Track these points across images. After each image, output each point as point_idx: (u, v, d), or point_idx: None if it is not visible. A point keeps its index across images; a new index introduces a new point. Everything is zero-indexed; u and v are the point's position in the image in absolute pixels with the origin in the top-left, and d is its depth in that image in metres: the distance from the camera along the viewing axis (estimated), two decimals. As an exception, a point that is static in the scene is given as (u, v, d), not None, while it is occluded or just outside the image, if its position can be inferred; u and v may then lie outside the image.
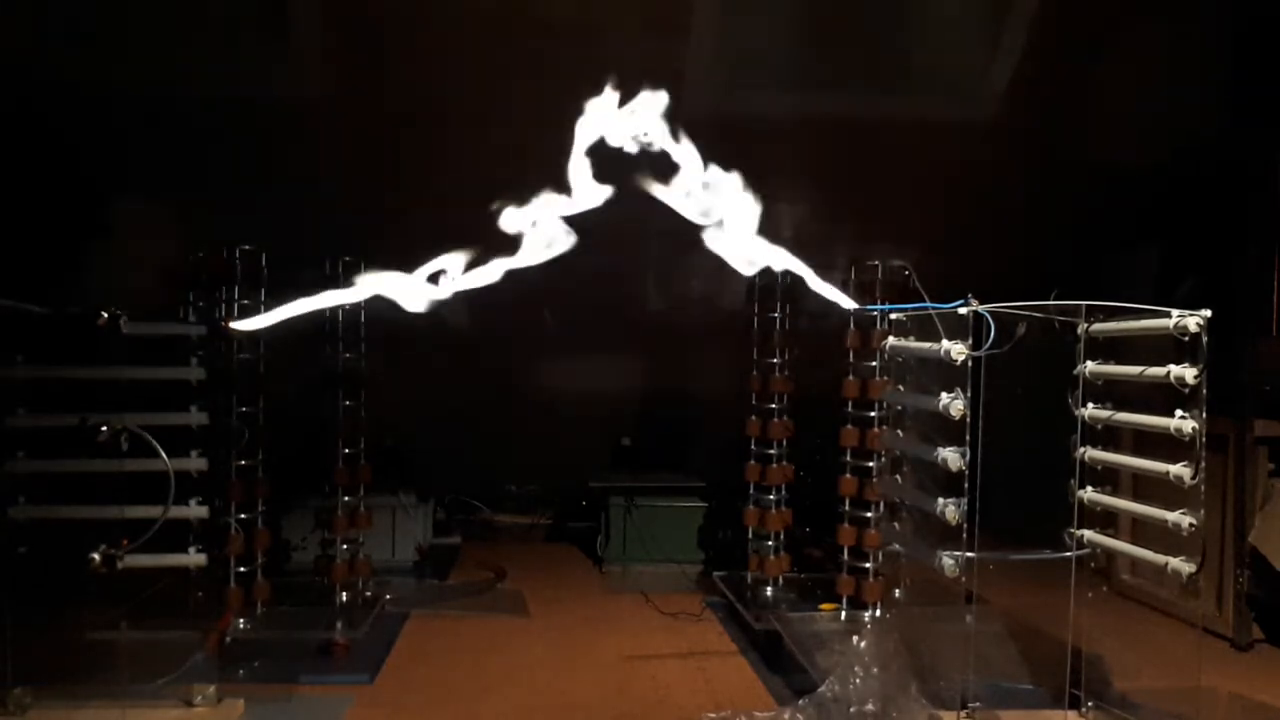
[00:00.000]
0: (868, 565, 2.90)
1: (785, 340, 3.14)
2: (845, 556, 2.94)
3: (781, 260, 2.04)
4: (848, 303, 2.34)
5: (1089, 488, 2.19)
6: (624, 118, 1.84)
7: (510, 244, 1.90)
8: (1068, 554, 2.19)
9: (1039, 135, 3.72)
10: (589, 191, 1.85)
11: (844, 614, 2.94)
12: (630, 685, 2.62)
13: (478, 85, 3.43)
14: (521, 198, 1.93)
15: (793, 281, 3.05)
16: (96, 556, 2.14)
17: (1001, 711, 2.22)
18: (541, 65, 3.33)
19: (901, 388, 2.36)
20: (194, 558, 2.31)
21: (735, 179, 1.91)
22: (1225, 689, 2.59)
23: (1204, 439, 1.88)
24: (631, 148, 1.85)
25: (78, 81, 3.19)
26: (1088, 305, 2.15)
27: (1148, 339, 2.01)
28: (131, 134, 3.33)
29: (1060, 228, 3.95)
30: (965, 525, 2.07)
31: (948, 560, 2.08)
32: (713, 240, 1.91)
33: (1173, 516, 1.95)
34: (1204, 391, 1.90)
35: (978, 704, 2.16)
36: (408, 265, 1.99)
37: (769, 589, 3.17)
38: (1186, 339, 1.91)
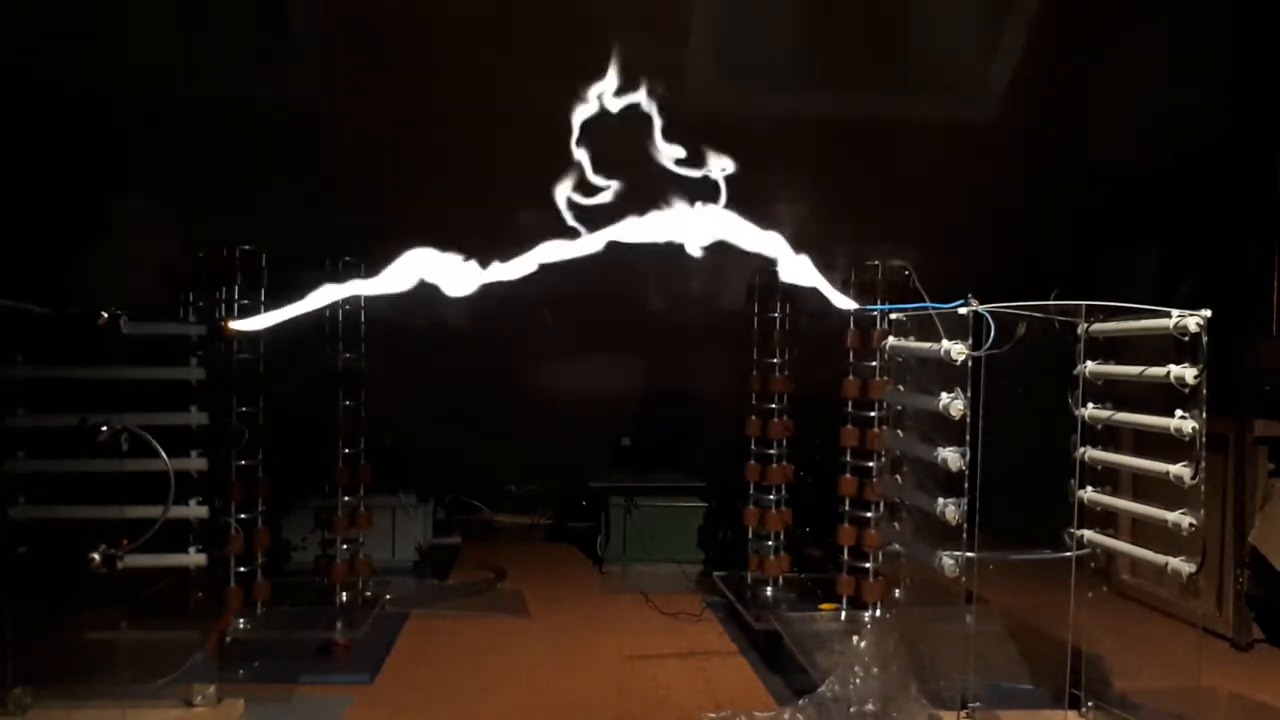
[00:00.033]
0: (868, 565, 2.90)
1: (785, 340, 3.14)
2: (845, 556, 2.94)
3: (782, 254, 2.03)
4: (838, 297, 2.31)
5: (1089, 488, 2.19)
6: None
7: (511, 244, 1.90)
8: (1068, 554, 2.20)
9: (1039, 135, 3.72)
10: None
11: (844, 614, 2.94)
12: (630, 685, 2.62)
13: (477, 85, 3.43)
14: (522, 197, 1.93)
15: (793, 281, 3.06)
16: (96, 556, 2.14)
17: (1001, 711, 2.22)
18: (542, 66, 3.33)
19: (901, 388, 2.36)
20: (194, 558, 2.31)
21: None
22: (1225, 689, 2.59)
23: (1204, 439, 1.88)
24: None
25: (78, 81, 3.19)
26: (1088, 305, 2.15)
27: (1148, 339, 2.02)
28: (131, 134, 3.33)
29: (1060, 228, 3.96)
30: (965, 525, 2.07)
31: (948, 560, 2.08)
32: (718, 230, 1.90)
33: (1173, 516, 1.95)
34: (1204, 391, 1.90)
35: (978, 704, 2.16)
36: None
37: (769, 589, 3.17)
38: (1186, 339, 1.91)
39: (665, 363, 4.39)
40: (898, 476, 2.39)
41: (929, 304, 2.18)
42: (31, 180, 3.27)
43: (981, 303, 2.05)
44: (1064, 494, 2.23)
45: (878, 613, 2.87)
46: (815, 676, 2.34)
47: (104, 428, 2.12)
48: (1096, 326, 2.15)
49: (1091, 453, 2.18)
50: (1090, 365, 2.16)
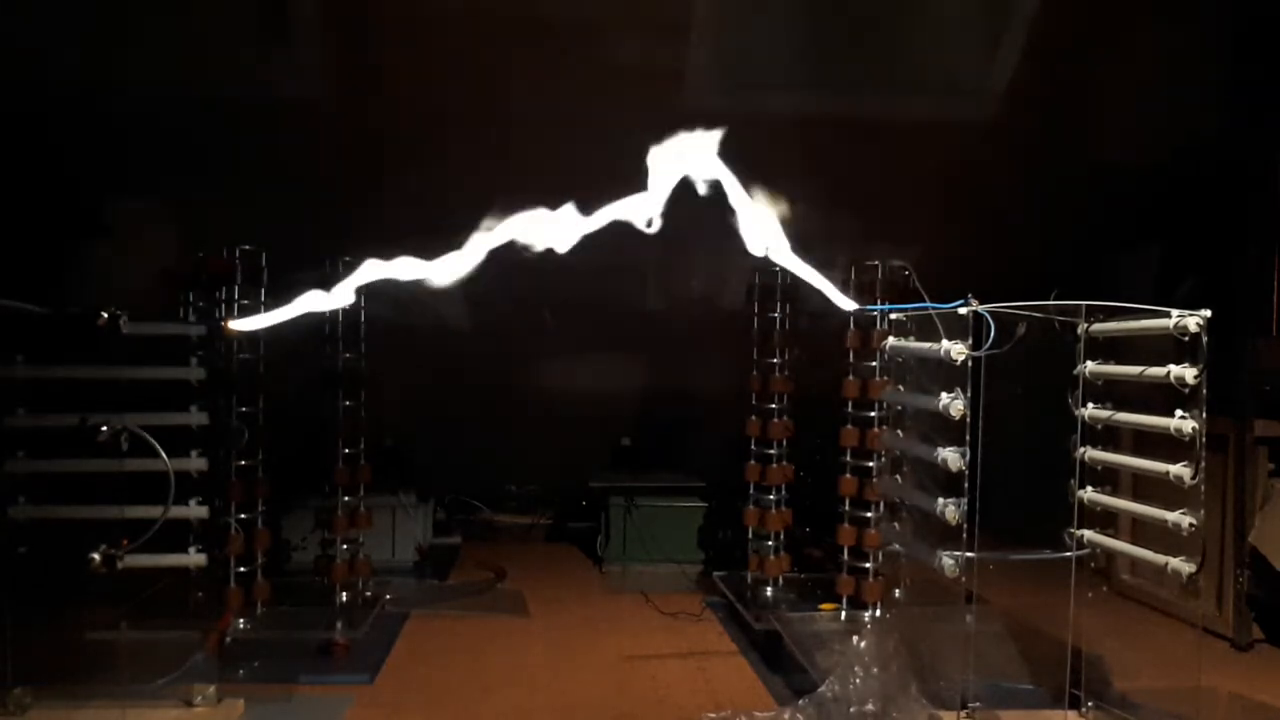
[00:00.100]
0: (868, 565, 2.90)
1: (785, 340, 3.14)
2: (845, 556, 2.94)
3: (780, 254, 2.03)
4: (838, 296, 2.31)
5: (1089, 488, 2.19)
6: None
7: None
8: (1068, 554, 2.20)
9: (1039, 135, 3.72)
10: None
11: (844, 614, 2.93)
12: (630, 685, 2.62)
13: (478, 85, 3.43)
14: (521, 198, 1.93)
15: (793, 281, 3.06)
16: (96, 556, 2.13)
17: (1001, 711, 2.22)
18: (542, 65, 3.34)
19: (901, 388, 2.36)
20: (194, 558, 2.31)
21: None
22: (1225, 689, 2.59)
23: (1204, 439, 1.88)
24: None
25: (78, 81, 3.19)
26: (1088, 305, 2.15)
27: (1148, 339, 2.01)
28: (131, 134, 3.33)
29: (1060, 228, 3.96)
30: (965, 525, 2.07)
31: (948, 560, 2.08)
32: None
33: (1173, 516, 1.95)
34: (1204, 391, 1.90)
35: (978, 704, 2.16)
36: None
37: (769, 589, 3.17)
38: (1186, 339, 1.91)
39: (665, 363, 4.39)
40: (898, 476, 2.39)
41: (929, 304, 2.18)
42: (32, 180, 3.27)
43: (981, 303, 2.05)
44: (1064, 494, 2.23)
45: (878, 613, 2.87)
46: (815, 676, 2.34)
47: (104, 428, 2.12)
48: (1096, 326, 2.15)
49: (1091, 453, 2.18)
50: (1090, 365, 2.16)
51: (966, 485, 2.07)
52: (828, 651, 2.45)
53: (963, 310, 2.05)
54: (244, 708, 2.27)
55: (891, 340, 2.38)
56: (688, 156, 1.91)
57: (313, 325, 2.97)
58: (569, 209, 1.89)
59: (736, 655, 2.87)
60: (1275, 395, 2.95)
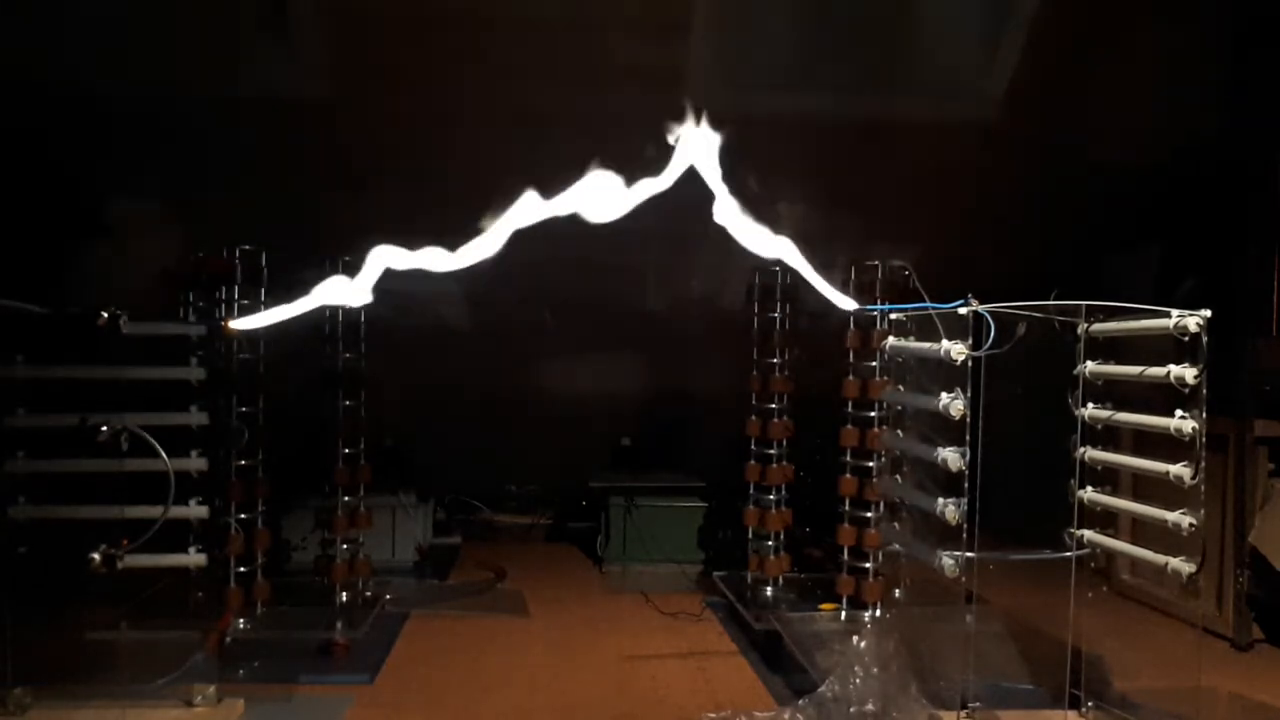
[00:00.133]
0: (868, 565, 2.90)
1: (785, 340, 3.14)
2: (845, 556, 2.94)
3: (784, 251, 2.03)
4: (839, 296, 2.31)
5: (1089, 488, 2.19)
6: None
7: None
8: (1068, 554, 2.19)
9: (1039, 135, 3.72)
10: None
11: (844, 614, 2.94)
12: (630, 685, 2.62)
13: (478, 85, 3.43)
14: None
15: (793, 281, 3.06)
16: (96, 556, 2.13)
17: (1001, 711, 2.22)
18: (542, 65, 3.33)
19: (901, 388, 2.36)
20: (194, 558, 2.31)
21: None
22: (1225, 689, 2.59)
23: (1204, 439, 1.88)
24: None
25: (78, 81, 3.19)
26: (1088, 305, 2.15)
27: (1148, 339, 2.01)
28: (131, 134, 3.33)
29: (1060, 228, 3.96)
30: (965, 525, 2.07)
31: (948, 560, 2.08)
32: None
33: (1173, 516, 1.95)
34: (1204, 391, 1.90)
35: (978, 704, 2.16)
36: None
37: (769, 589, 3.17)
38: (1186, 339, 1.91)
39: (665, 363, 4.39)
40: (898, 476, 2.39)
41: (929, 304, 2.18)
42: (32, 180, 3.27)
43: (981, 303, 2.05)
44: (1064, 494, 2.23)
45: (878, 613, 2.87)
46: (815, 676, 2.34)
47: (104, 428, 2.12)
48: (1096, 326, 2.15)
49: (1091, 453, 2.18)
50: (1090, 365, 2.16)
51: (966, 485, 2.07)
52: (828, 651, 2.45)
53: (963, 310, 2.05)
54: (244, 708, 2.27)
55: (891, 340, 2.38)
56: (687, 157, 1.90)
57: (313, 325, 2.97)
58: (568, 211, 1.89)
59: (736, 655, 2.87)
60: (1275, 395, 2.95)
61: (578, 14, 3.25)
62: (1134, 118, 3.61)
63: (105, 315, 2.12)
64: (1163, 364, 1.95)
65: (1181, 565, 1.96)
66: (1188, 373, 1.90)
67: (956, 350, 2.04)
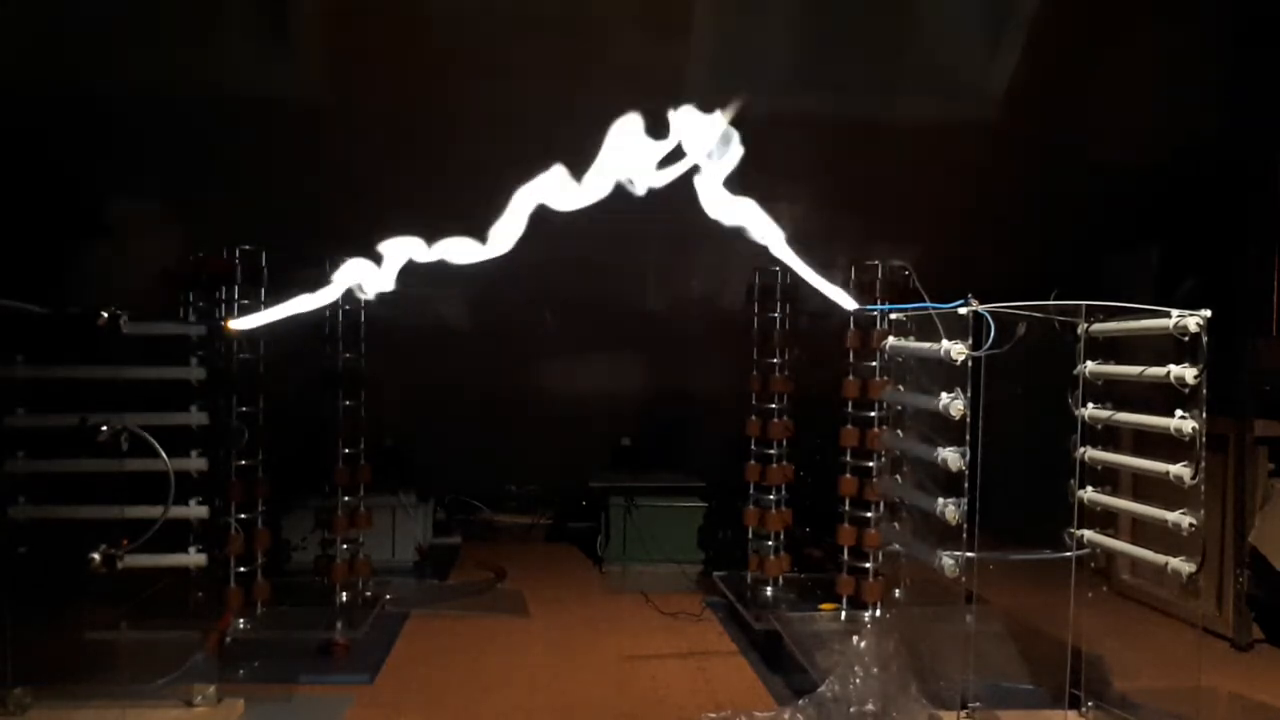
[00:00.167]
0: (868, 565, 2.90)
1: (785, 340, 3.14)
2: (845, 556, 2.94)
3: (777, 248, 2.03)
4: (839, 296, 2.31)
5: (1089, 488, 2.19)
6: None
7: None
8: (1068, 554, 2.19)
9: (1039, 135, 3.72)
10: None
11: (844, 614, 2.93)
12: (630, 685, 2.62)
13: (478, 85, 3.43)
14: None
15: (793, 281, 3.06)
16: (96, 556, 2.13)
17: (1001, 711, 2.22)
18: (543, 65, 3.33)
19: (901, 388, 2.36)
20: (194, 558, 2.31)
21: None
22: (1225, 689, 2.59)
23: (1204, 439, 1.88)
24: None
25: (78, 81, 3.19)
26: (1088, 305, 2.15)
27: (1148, 339, 2.01)
28: (131, 134, 3.33)
29: (1060, 228, 3.96)
30: (965, 525, 2.07)
31: (948, 560, 2.08)
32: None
33: (1173, 516, 1.95)
34: (1204, 391, 1.90)
35: (978, 704, 2.16)
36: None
37: (769, 589, 3.17)
38: (1186, 339, 1.91)
39: (665, 363, 4.39)
40: (898, 476, 2.39)
41: (929, 304, 2.18)
42: (32, 180, 3.27)
43: (981, 303, 2.05)
44: (1064, 494, 2.23)
45: (878, 613, 2.87)
46: (815, 676, 2.34)
47: (104, 428, 2.12)
48: (1096, 326, 2.15)
49: (1091, 453, 2.18)
50: (1090, 365, 2.16)
51: (966, 485, 2.07)
52: (828, 651, 2.45)
53: (963, 310, 2.05)
54: (244, 708, 2.27)
55: (891, 340, 2.38)
56: (687, 155, 1.90)
57: (313, 325, 2.97)
58: (568, 208, 1.89)
59: (736, 655, 2.87)
60: (1275, 395, 2.95)
61: (579, 14, 3.25)
62: (1134, 118, 3.61)
63: (105, 315, 2.12)
64: (1163, 364, 1.95)
65: (1181, 565, 1.96)
66: (1188, 373, 1.90)
67: (956, 350, 2.04)
